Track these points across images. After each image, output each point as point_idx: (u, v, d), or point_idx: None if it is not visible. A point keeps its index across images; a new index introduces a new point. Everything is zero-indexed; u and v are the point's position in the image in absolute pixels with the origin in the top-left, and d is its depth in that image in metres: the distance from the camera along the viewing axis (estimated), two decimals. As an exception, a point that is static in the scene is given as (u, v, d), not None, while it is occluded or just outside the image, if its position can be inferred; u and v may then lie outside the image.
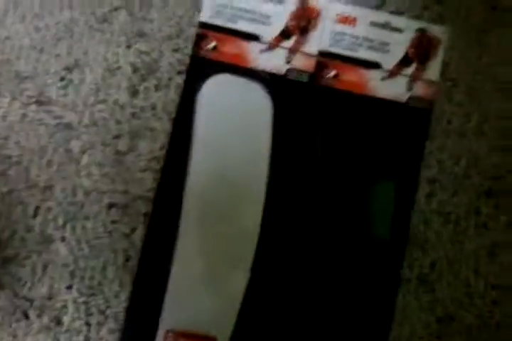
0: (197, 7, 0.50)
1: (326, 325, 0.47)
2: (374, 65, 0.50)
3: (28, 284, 0.46)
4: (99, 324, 0.46)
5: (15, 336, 0.46)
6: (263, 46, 0.50)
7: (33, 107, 0.49)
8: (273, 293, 0.47)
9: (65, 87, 0.49)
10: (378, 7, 0.51)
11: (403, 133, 0.50)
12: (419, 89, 0.50)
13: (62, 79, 0.49)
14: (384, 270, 0.48)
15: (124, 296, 0.46)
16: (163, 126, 0.49)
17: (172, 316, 0.45)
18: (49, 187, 0.48)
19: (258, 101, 0.49)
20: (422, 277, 0.48)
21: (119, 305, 0.46)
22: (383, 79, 0.50)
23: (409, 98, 0.50)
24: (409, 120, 0.50)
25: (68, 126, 0.48)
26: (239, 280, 0.46)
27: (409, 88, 0.50)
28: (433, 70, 0.51)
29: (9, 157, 0.48)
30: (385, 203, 0.49)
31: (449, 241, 0.49)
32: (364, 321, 0.47)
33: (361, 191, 0.49)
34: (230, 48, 0.49)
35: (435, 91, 0.50)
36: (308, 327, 0.47)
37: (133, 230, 0.47)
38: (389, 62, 0.50)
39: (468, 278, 0.49)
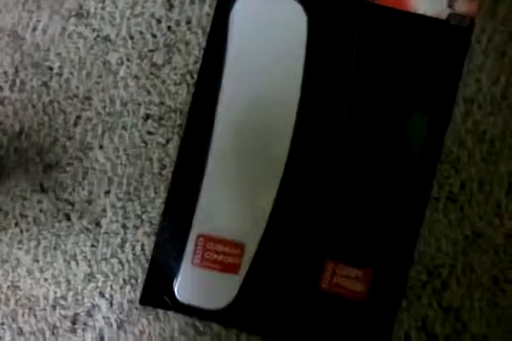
0: None
1: (353, 240, 0.48)
2: None
3: (70, 189, 0.49)
4: (135, 227, 0.49)
5: (58, 236, 0.49)
6: None
7: (73, 20, 0.50)
8: (302, 206, 0.48)
9: (103, 1, 0.50)
10: None
11: (442, 51, 0.49)
12: (461, 6, 0.49)
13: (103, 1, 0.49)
14: (413, 187, 0.48)
15: (158, 202, 0.49)
16: (197, 40, 0.49)
17: (203, 222, 0.47)
18: (88, 98, 0.49)
19: (293, 17, 0.48)
20: (451, 196, 0.49)
21: (154, 211, 0.49)
22: None
23: (450, 15, 0.49)
24: (449, 37, 0.49)
25: (106, 39, 0.49)
26: (268, 196, 0.47)
27: (450, 4, 0.49)
28: None
29: (50, 68, 0.50)
30: (418, 131, 0.48)
31: (481, 161, 0.49)
32: (391, 236, 0.48)
33: (396, 116, 0.48)
34: None
35: (477, 7, 0.49)
36: (335, 239, 0.48)
37: (168, 141, 0.49)
38: None
39: (499, 199, 0.49)
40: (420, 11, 0.49)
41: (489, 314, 0.48)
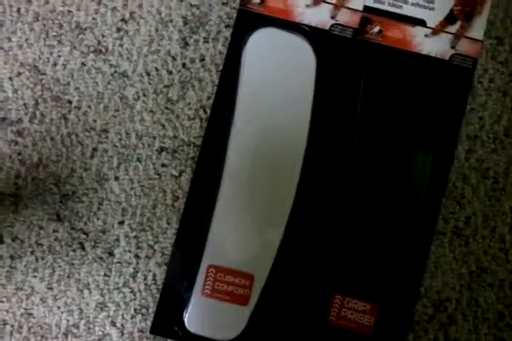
0: None
1: (361, 273, 0.48)
2: (419, 22, 0.50)
3: (85, 218, 0.50)
4: (148, 257, 0.49)
5: (72, 264, 0.50)
6: (308, 1, 0.50)
7: (92, 56, 0.51)
8: (311, 239, 0.48)
9: (121, 38, 0.51)
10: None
11: (445, 90, 0.50)
12: (463, 47, 0.50)
13: (118, 30, 0.51)
14: (419, 222, 0.49)
15: (171, 233, 0.50)
16: (211, 77, 0.51)
17: (214, 253, 0.48)
18: (105, 131, 0.51)
19: (302, 56, 0.50)
20: (456, 231, 0.49)
21: (166, 241, 0.49)
22: (427, 36, 0.50)
23: (453, 55, 0.50)
24: (451, 77, 0.50)
25: (123, 75, 0.51)
26: (278, 225, 0.48)
27: (453, 45, 0.50)
28: (477, 28, 0.50)
29: (69, 102, 0.51)
30: (423, 169, 0.49)
31: (485, 197, 0.50)
32: (397, 270, 0.48)
33: (401, 155, 0.49)
34: (276, 2, 0.50)
35: (479, 49, 0.50)
36: (343, 272, 0.48)
37: (181, 173, 0.50)
38: (434, 19, 0.50)
39: (503, 235, 0.50)
40: (424, 52, 0.50)
41: None
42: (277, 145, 0.49)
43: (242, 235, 0.48)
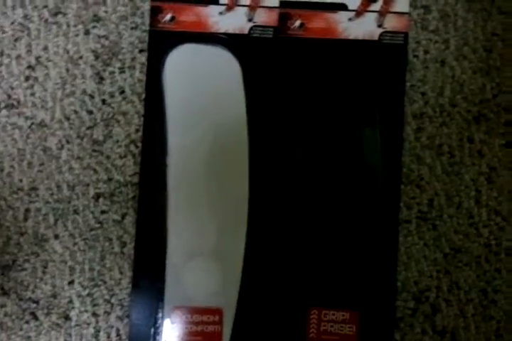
0: None
1: (332, 281, 0.46)
2: (340, 7, 0.48)
3: (31, 286, 0.47)
4: (107, 313, 0.46)
5: (28, 337, 0.46)
6: (221, 8, 0.48)
7: (4, 112, 0.48)
8: (273, 252, 0.46)
9: (31, 87, 0.48)
10: None
11: (382, 71, 0.47)
12: (391, 24, 0.48)
13: (27, 78, 0.48)
14: (381, 214, 0.46)
15: (126, 282, 0.46)
16: (135, 108, 0.48)
17: (176, 293, 0.45)
18: (34, 189, 0.48)
19: (226, 66, 0.48)
20: (421, 215, 0.47)
21: (123, 292, 0.46)
22: (351, 19, 0.48)
23: (382, 34, 0.48)
24: (385, 57, 0.47)
25: (42, 125, 0.48)
26: (236, 247, 0.45)
27: (380, 24, 0.48)
28: (402, 1, 0.48)
29: (-11, 165, 0.48)
30: (373, 148, 0.47)
31: (444, 174, 0.47)
32: (368, 269, 0.46)
33: (347, 137, 0.47)
34: (188, 16, 0.48)
35: (407, 22, 0.48)
36: (313, 285, 0.46)
37: (124, 216, 0.47)
38: (354, 0, 0.48)
39: (470, 209, 0.47)
40: (351, 37, 0.48)
41: (486, 329, 0.46)
42: (219, 163, 0.46)
43: (201, 268, 0.44)
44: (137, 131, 0.48)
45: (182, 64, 0.47)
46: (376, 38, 0.48)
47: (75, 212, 0.47)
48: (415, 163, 0.47)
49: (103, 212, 0.47)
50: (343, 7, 0.48)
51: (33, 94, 0.48)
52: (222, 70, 0.47)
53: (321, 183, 0.47)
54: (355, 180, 0.46)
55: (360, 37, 0.48)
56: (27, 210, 0.47)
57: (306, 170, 0.47)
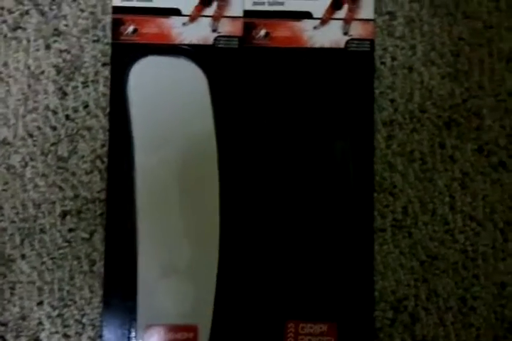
0: None
1: (308, 293, 0.45)
2: (305, 15, 0.48)
3: (-1, 308, 0.45)
4: (78, 334, 0.45)
5: (-3, 362, 0.45)
6: (184, 19, 0.47)
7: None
8: (247, 266, 0.45)
9: (-8, 104, 0.47)
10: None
11: (350, 79, 0.47)
12: (356, 31, 0.47)
13: None
14: (355, 224, 0.46)
15: (97, 301, 0.45)
16: (99, 123, 0.47)
17: (149, 311, 0.44)
18: (-2, 208, 0.46)
19: (191, 78, 0.47)
20: (396, 223, 0.46)
21: (94, 311, 0.45)
22: (316, 28, 0.47)
23: (348, 42, 0.47)
24: (352, 65, 0.47)
25: (4, 143, 0.47)
26: (209, 263, 0.44)
27: (346, 31, 0.47)
28: (366, 8, 0.48)
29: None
30: (344, 158, 0.46)
31: (417, 180, 0.47)
32: (344, 282, 0.45)
33: (317, 148, 0.47)
34: (150, 28, 0.47)
35: (373, 29, 0.48)
36: (288, 298, 0.45)
37: (92, 234, 0.46)
38: (319, 8, 0.47)
39: (444, 215, 0.47)
40: (317, 45, 0.47)
41: (466, 337, 0.45)
42: (188, 176, 0.46)
43: (174, 285, 0.43)
44: (103, 146, 0.47)
45: (146, 77, 0.47)
46: (342, 45, 0.47)
47: (42, 230, 0.46)
48: (387, 170, 0.47)
49: (71, 230, 0.46)
50: (308, 15, 0.48)
51: None
52: (188, 82, 0.47)
53: (293, 195, 0.46)
54: (328, 191, 0.46)
55: (326, 45, 0.47)
56: (-9, 231, 0.46)
57: (276, 182, 0.46)
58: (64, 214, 0.46)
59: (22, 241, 0.46)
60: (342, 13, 0.48)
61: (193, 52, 0.47)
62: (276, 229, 0.46)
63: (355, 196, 0.46)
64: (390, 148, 0.47)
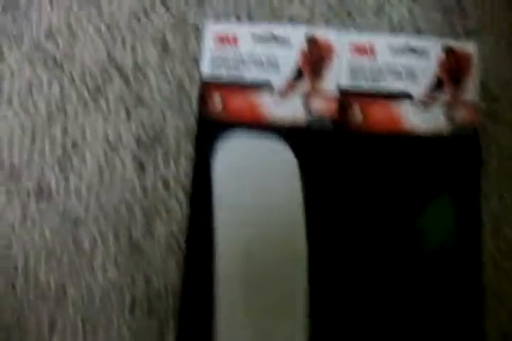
0: (197, 62, 0.45)
1: None
2: (404, 96, 0.44)
3: None
4: None
5: None
6: (275, 95, 0.44)
7: (33, 203, 0.43)
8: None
9: (65, 174, 0.44)
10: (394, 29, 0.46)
11: (454, 168, 0.43)
12: (460, 115, 0.44)
13: (61, 165, 0.44)
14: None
15: None
16: (179, 203, 0.43)
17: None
18: (62, 292, 0.42)
19: (281, 160, 0.43)
20: None
21: None
22: (417, 110, 0.44)
23: (451, 127, 0.44)
24: (457, 152, 0.44)
25: (75, 218, 0.43)
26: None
27: (449, 116, 0.44)
28: (471, 91, 0.44)
29: (15, 267, 0.42)
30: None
31: None
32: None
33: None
34: (240, 103, 0.44)
35: (478, 113, 0.44)
36: None
37: (162, 332, 0.41)
38: (420, 90, 0.44)
39: None
40: (418, 129, 0.44)
41: None
42: (276, 267, 0.41)
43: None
44: (181, 229, 0.43)
45: (232, 157, 0.43)
46: (445, 131, 0.44)
47: (108, 323, 0.41)
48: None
49: (139, 323, 0.41)
50: (408, 96, 0.45)
51: (66, 183, 0.44)
52: (278, 165, 0.43)
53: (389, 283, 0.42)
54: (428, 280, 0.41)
55: (427, 130, 0.44)
56: (53, 319, 0.41)
57: (368, 276, 0.42)
58: (132, 305, 0.41)
59: (84, 334, 0.41)
60: (445, 95, 0.45)
61: (285, 133, 0.44)
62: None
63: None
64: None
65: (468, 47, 0.45)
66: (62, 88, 0.45)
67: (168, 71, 0.46)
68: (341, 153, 0.43)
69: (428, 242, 0.42)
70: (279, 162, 0.43)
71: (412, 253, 0.42)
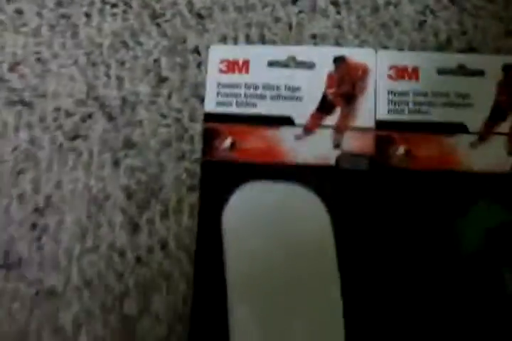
0: (199, 94, 0.40)
1: None
2: (457, 128, 0.39)
3: None
4: None
5: None
6: (297, 130, 0.39)
7: (1, 275, 0.38)
8: None
9: (38, 239, 0.38)
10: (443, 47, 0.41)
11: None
12: None
13: (33, 227, 0.38)
14: None
15: None
16: (182, 269, 0.38)
17: None
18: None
19: (306, 210, 0.38)
20: None
21: None
22: (473, 145, 0.39)
23: (512, 163, 0.39)
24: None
25: (52, 293, 0.37)
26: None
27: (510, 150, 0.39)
28: None
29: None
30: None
31: None
32: None
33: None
34: (254, 142, 0.40)
35: None
36: None
37: None
38: (476, 119, 0.39)
39: None
40: (475, 168, 0.38)
41: None
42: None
43: None
44: (185, 302, 0.37)
45: (247, 208, 0.38)
46: (507, 169, 0.39)
47: None
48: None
49: None
50: (462, 129, 0.39)
51: (40, 250, 0.38)
52: (303, 215, 0.38)
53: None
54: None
55: (485, 168, 0.39)
56: None
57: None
58: None
59: None
60: (506, 125, 0.39)
61: (309, 176, 0.39)
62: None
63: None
64: None
65: (533, 64, 0.41)
66: (31, 131, 0.40)
67: (163, 106, 0.41)
68: (381, 196, 0.39)
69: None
70: (304, 212, 0.38)
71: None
